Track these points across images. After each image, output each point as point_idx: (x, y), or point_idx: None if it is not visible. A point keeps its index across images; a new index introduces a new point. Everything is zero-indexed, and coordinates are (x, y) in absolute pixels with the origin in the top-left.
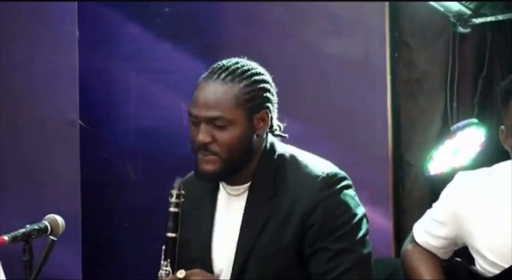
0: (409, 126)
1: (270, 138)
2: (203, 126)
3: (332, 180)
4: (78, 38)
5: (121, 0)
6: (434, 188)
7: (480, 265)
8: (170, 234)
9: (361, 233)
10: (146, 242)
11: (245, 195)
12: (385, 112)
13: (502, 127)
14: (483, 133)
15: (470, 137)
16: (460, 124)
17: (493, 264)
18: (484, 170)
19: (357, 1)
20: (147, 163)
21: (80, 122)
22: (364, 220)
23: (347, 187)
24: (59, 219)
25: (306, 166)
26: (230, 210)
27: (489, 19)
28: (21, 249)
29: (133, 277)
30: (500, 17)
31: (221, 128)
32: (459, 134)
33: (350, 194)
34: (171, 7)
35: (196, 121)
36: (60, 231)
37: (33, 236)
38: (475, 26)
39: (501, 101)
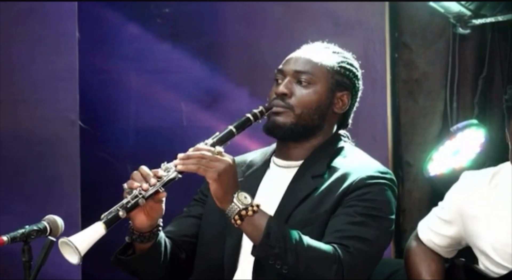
0: (409, 127)
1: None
2: (287, 79)
3: (384, 174)
4: (78, 38)
5: (121, 0)
6: (433, 189)
7: (484, 265)
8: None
9: (385, 233)
10: None
11: (294, 170)
12: (385, 113)
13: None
14: (483, 133)
15: (470, 137)
16: (460, 124)
17: (497, 264)
18: (490, 170)
19: (357, 1)
20: (147, 163)
21: (80, 123)
22: (392, 228)
23: (394, 189)
24: (59, 220)
25: (364, 159)
26: (276, 180)
27: (489, 20)
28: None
29: (132, 277)
30: (500, 18)
31: (304, 84)
32: (459, 135)
33: (394, 196)
34: (171, 7)
35: (281, 77)
36: (60, 232)
37: (32, 237)
38: (475, 27)
39: (507, 115)
